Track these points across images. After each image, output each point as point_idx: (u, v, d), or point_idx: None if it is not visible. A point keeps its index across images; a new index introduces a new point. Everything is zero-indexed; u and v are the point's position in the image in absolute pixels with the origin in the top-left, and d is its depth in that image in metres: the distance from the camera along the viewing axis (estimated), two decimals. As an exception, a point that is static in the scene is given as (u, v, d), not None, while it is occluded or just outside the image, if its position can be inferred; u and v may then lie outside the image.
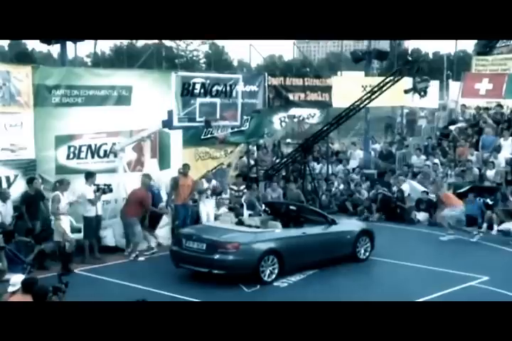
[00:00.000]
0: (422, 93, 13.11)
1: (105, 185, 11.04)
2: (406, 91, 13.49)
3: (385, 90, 13.28)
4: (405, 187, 14.47)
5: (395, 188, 14.62)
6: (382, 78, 13.81)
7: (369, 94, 13.46)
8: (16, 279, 6.37)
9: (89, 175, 10.81)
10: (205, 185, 12.28)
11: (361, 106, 13.62)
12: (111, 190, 11.03)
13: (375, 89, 13.41)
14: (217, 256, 9.20)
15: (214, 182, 12.51)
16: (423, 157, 16.38)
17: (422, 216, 14.13)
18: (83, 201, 10.62)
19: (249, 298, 8.63)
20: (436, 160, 15.93)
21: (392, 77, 13.35)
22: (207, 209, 12.12)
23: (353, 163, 17.48)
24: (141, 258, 10.97)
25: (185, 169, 12.08)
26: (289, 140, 17.03)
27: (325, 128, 14.11)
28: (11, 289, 6.33)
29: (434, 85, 18.57)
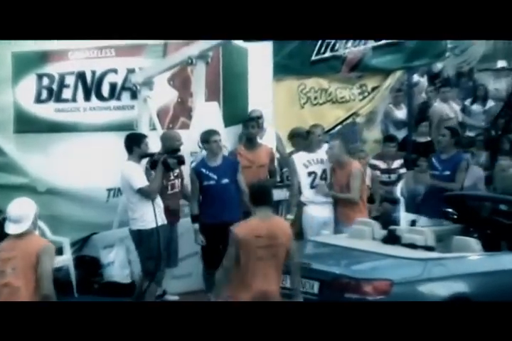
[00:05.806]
0: None
1: (168, 153, 10.59)
2: None
3: None
4: None
5: None
6: None
7: None
8: None
9: (136, 140, 10.58)
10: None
11: None
12: (182, 162, 10.78)
13: None
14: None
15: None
16: None
17: None
18: (131, 198, 10.39)
19: None
20: None
21: None
22: (318, 207, 11.97)
23: None
24: (172, 298, 11.39)
25: (248, 128, 11.69)
26: (499, 64, 17.37)
27: None
28: None
29: None
